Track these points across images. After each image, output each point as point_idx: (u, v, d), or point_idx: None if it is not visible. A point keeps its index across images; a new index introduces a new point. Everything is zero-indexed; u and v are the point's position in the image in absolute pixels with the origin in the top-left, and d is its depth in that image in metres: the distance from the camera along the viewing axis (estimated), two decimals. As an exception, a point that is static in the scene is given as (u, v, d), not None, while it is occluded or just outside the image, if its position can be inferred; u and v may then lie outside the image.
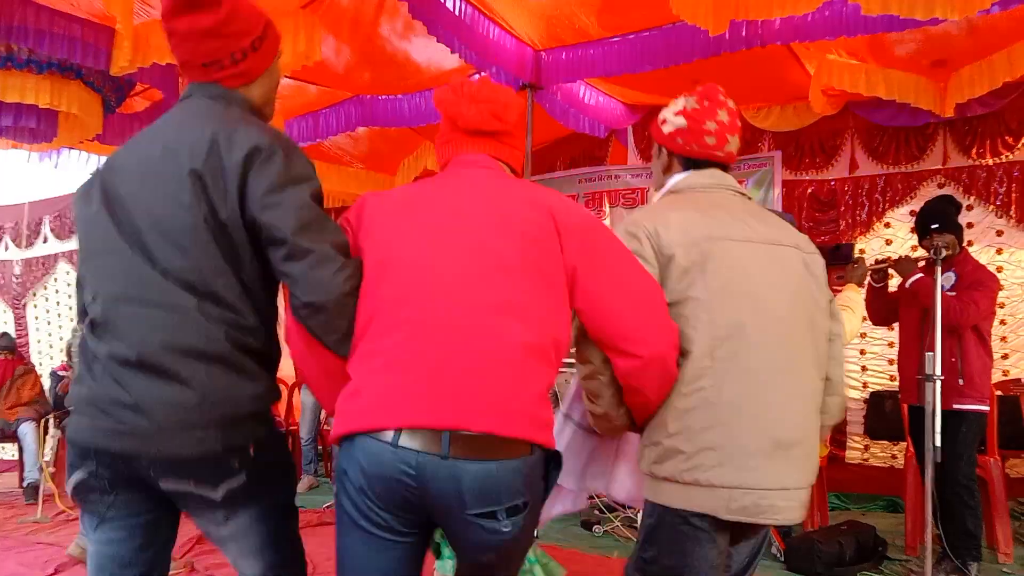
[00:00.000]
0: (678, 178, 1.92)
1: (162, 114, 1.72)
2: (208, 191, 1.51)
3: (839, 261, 3.26)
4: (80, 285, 1.64)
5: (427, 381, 1.45)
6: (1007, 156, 5.48)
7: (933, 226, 3.91)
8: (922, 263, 3.90)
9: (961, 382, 3.78)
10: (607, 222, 6.17)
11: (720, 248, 1.72)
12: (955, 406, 3.75)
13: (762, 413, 1.68)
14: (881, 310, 4.23)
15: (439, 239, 1.57)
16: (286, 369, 2.41)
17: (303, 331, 1.59)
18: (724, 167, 1.92)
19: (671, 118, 1.91)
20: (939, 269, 3.43)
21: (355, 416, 1.49)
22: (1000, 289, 4.01)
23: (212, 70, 1.66)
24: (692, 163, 1.90)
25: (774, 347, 1.71)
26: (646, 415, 1.74)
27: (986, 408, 3.87)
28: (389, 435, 1.43)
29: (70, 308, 8.86)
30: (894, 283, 4.23)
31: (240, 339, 1.53)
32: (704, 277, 1.70)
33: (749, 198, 1.96)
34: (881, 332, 5.77)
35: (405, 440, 1.42)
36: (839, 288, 3.63)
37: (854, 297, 3.02)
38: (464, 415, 1.42)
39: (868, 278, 4.17)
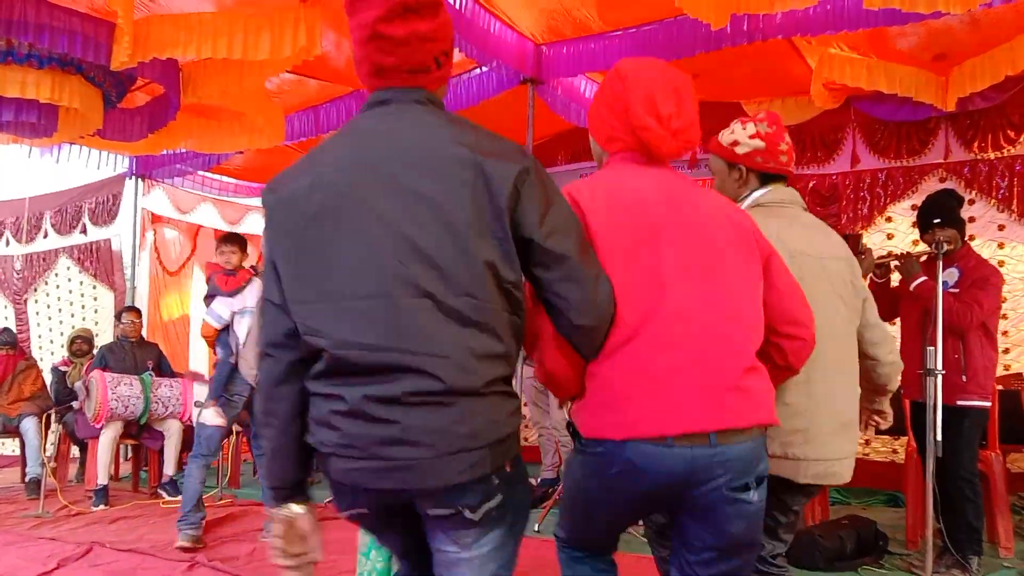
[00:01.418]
0: (760, 193, 2.28)
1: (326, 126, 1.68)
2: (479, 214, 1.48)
3: None
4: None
5: (697, 391, 1.65)
6: (1009, 150, 5.48)
7: (935, 220, 3.90)
8: (924, 258, 3.89)
9: (964, 378, 3.77)
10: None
11: (808, 262, 2.10)
12: (958, 402, 3.74)
13: (832, 403, 2.12)
14: (884, 306, 4.19)
15: (672, 245, 1.71)
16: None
17: (560, 340, 1.67)
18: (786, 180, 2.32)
19: (746, 140, 2.27)
20: (940, 264, 3.43)
21: (631, 424, 1.65)
22: (1003, 284, 4.00)
23: (419, 75, 1.60)
24: (769, 178, 2.29)
25: (834, 348, 2.12)
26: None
27: (988, 404, 3.86)
28: (668, 440, 1.63)
29: (71, 303, 8.86)
30: (895, 277, 4.22)
31: (501, 369, 1.52)
32: None
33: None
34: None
35: (681, 441, 1.63)
36: None
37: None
38: (730, 415, 1.67)
39: (870, 274, 4.17)
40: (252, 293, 4.46)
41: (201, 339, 5.22)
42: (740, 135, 2.29)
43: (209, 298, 4.59)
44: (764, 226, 1.96)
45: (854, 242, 3.29)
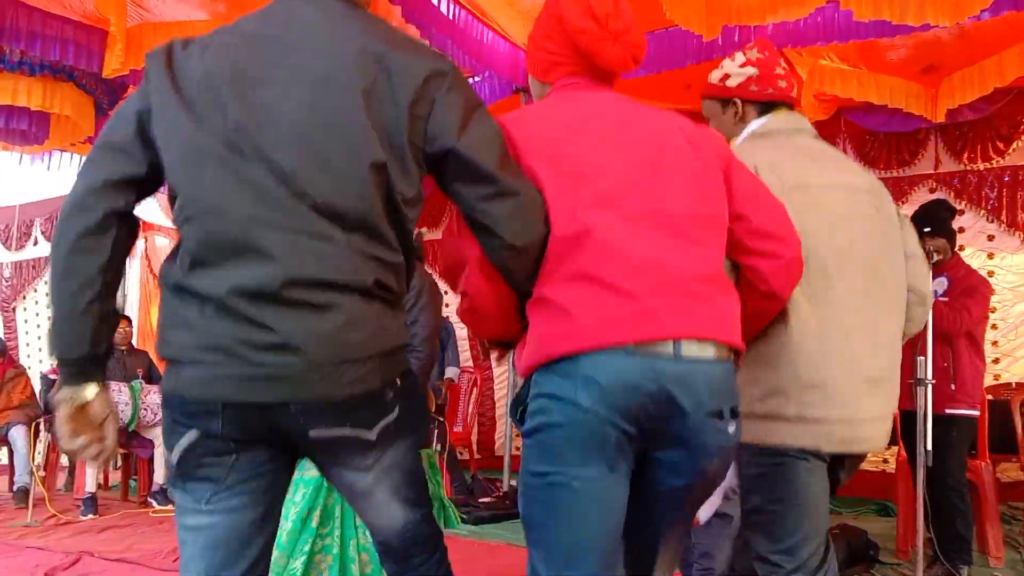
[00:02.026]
0: (760, 122, 2.01)
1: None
2: (377, 116, 1.35)
3: None
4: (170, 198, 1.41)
5: (653, 296, 1.43)
6: (998, 161, 5.52)
7: (925, 229, 3.92)
8: None
9: (953, 387, 3.79)
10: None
11: (805, 195, 1.79)
12: (947, 411, 3.76)
13: (852, 357, 1.78)
14: None
15: (621, 154, 1.52)
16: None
17: (487, 265, 1.50)
18: (793, 108, 2.04)
19: (737, 70, 2.05)
20: (930, 274, 3.45)
21: (580, 333, 1.40)
22: (992, 294, 4.02)
23: None
24: (768, 107, 2.02)
25: (859, 293, 1.81)
26: (759, 328, 1.75)
27: (977, 413, 3.88)
28: (628, 347, 1.39)
29: (61, 311, 8.81)
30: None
31: (384, 276, 1.39)
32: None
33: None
34: (873, 336, 5.80)
35: (643, 350, 1.40)
36: None
37: None
38: (692, 324, 1.43)
39: None
40: None
41: None
42: (730, 67, 2.09)
43: None
44: (751, 156, 1.78)
45: None
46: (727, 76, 2.08)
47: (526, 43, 1.84)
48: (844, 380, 1.77)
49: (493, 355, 1.83)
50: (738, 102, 2.05)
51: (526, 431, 1.47)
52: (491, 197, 1.41)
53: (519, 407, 1.51)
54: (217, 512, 1.40)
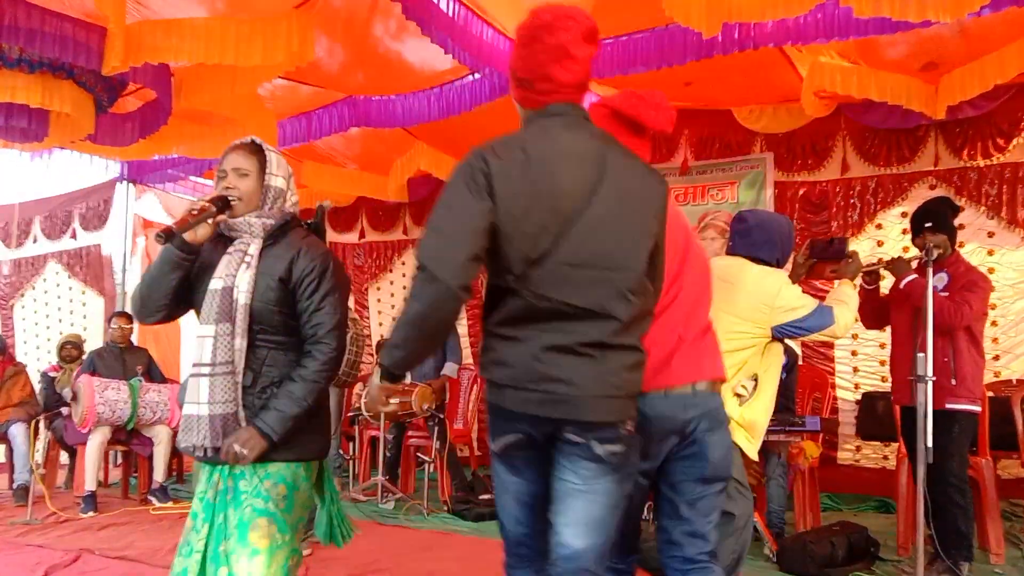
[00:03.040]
0: None
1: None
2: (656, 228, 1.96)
3: (833, 256, 3.26)
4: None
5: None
6: (998, 158, 5.51)
7: (926, 224, 3.92)
8: (915, 263, 3.91)
9: (953, 382, 3.79)
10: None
11: None
12: (947, 406, 3.75)
13: None
14: (872, 314, 4.21)
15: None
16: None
17: None
18: None
19: None
20: (931, 269, 3.45)
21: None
22: (992, 290, 4.02)
23: (581, 90, 1.96)
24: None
25: None
26: None
27: (978, 408, 3.87)
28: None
29: (59, 309, 8.82)
30: (885, 285, 4.24)
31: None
32: None
33: None
34: (873, 333, 5.77)
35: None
36: (830, 283, 3.64)
37: (848, 292, 3.04)
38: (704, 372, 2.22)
39: (860, 280, 4.18)
40: None
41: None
42: None
43: None
44: None
45: (839, 245, 3.31)
46: None
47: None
48: None
49: None
50: None
51: None
52: None
53: None
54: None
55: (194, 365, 2.14)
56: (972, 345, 3.87)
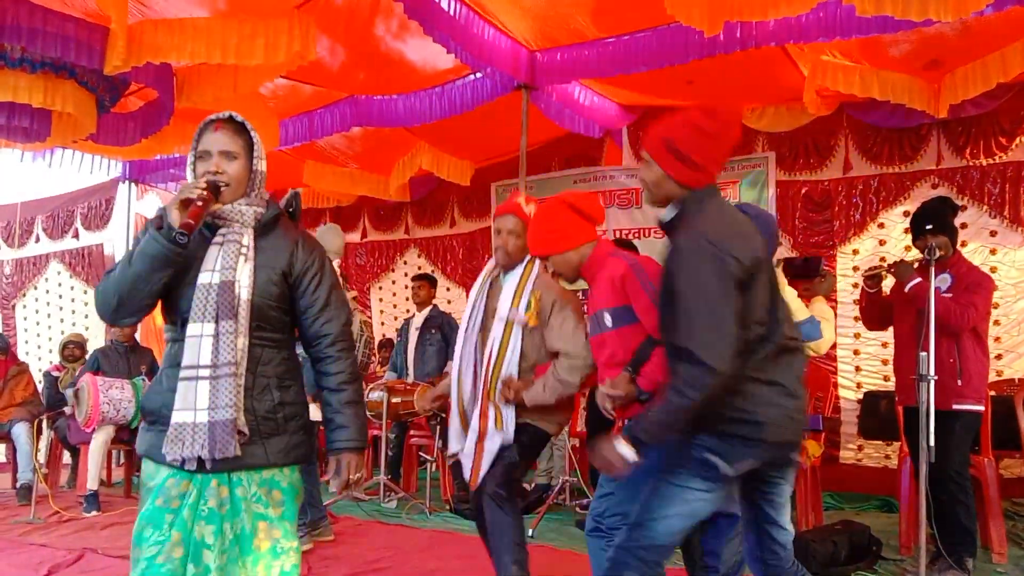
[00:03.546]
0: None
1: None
2: None
3: (807, 274, 3.29)
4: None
5: None
6: (1001, 157, 5.50)
7: (927, 226, 3.91)
8: (916, 264, 3.90)
9: (959, 382, 3.77)
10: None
11: None
12: (953, 406, 3.74)
13: None
14: (875, 315, 4.21)
15: None
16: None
17: None
18: None
19: None
20: (932, 270, 3.44)
21: None
22: (995, 289, 4.01)
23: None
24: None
25: None
26: None
27: (982, 408, 3.86)
28: None
29: (60, 308, 8.84)
30: (886, 284, 4.24)
31: None
32: None
33: None
34: (875, 332, 5.78)
35: None
36: (806, 299, 3.67)
37: (826, 310, 3.07)
38: None
39: (862, 284, 4.19)
40: None
41: None
42: None
43: None
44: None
45: (815, 263, 3.34)
46: None
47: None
48: None
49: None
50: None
51: None
52: None
53: None
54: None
55: (186, 368, 1.94)
56: (977, 345, 3.86)
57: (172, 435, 1.92)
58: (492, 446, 2.90)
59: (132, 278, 1.94)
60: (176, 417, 1.92)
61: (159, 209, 2.07)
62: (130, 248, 2.01)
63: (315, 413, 4.50)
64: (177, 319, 2.01)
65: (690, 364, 1.98)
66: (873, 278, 4.14)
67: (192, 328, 1.94)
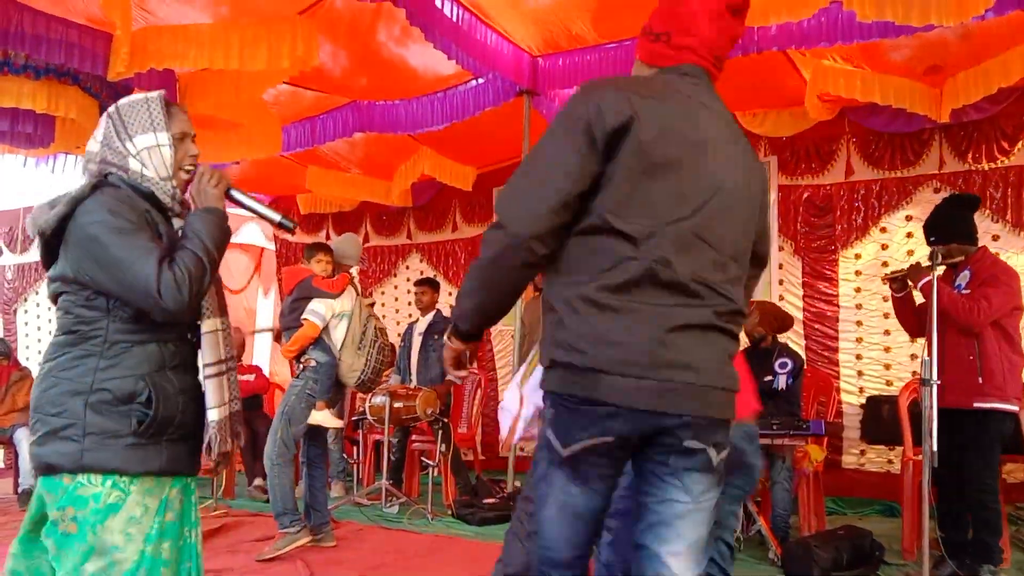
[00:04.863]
0: None
1: None
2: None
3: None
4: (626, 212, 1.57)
5: None
6: (1003, 161, 5.50)
7: (931, 239, 3.90)
8: (940, 268, 3.85)
9: (980, 380, 3.68)
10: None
11: None
12: (976, 405, 3.66)
13: None
14: (911, 320, 4.15)
15: None
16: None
17: None
18: None
19: None
20: (935, 273, 3.42)
21: None
22: (1019, 283, 3.86)
23: (718, 65, 1.75)
24: None
25: None
26: None
27: (1013, 408, 3.72)
28: None
29: (66, 313, 8.83)
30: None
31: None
32: None
33: None
34: (877, 337, 5.79)
35: None
36: None
37: None
38: None
39: (889, 289, 4.16)
40: (350, 297, 4.68)
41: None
42: None
43: (303, 300, 4.64)
44: None
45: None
46: None
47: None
48: None
49: None
50: None
51: None
52: None
53: None
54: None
55: (213, 364, 1.89)
56: (1004, 341, 3.75)
57: (215, 436, 1.86)
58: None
59: (212, 262, 1.83)
60: (214, 415, 1.87)
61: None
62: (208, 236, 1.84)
63: (321, 419, 4.55)
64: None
65: (493, 225, 1.63)
66: (896, 280, 4.10)
67: (206, 324, 1.88)
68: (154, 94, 1.92)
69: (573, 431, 1.56)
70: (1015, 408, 3.75)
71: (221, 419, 1.87)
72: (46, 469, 1.77)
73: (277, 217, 2.04)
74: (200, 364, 1.91)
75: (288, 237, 8.46)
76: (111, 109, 1.92)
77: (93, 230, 1.73)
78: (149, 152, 1.86)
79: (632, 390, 1.50)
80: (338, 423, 5.12)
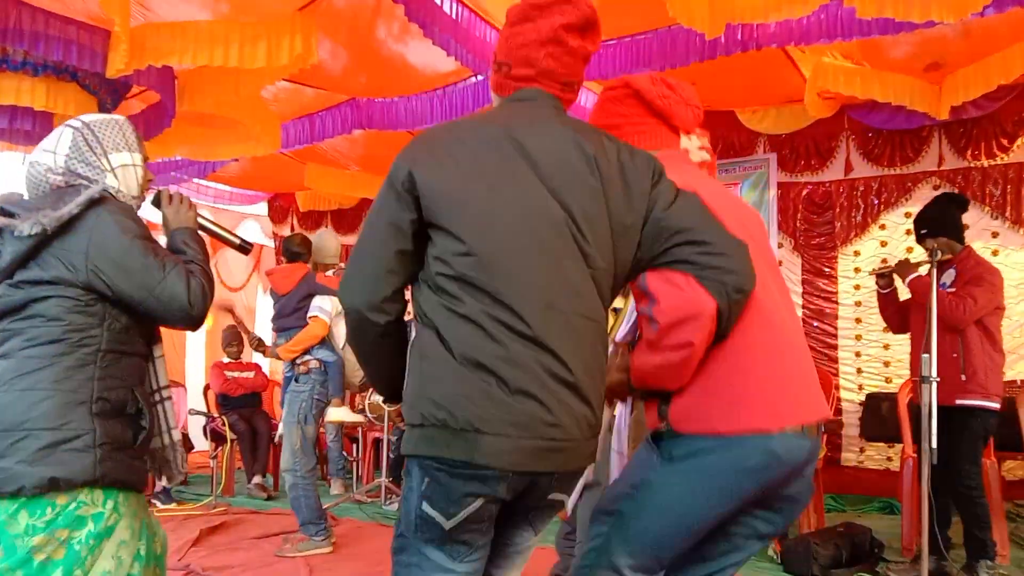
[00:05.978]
0: None
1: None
2: (610, 200, 1.55)
3: None
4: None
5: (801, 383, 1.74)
6: (1002, 158, 5.50)
7: (922, 231, 3.93)
8: (926, 267, 3.89)
9: (963, 377, 3.74)
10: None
11: None
12: (958, 402, 3.71)
13: None
14: (894, 316, 4.21)
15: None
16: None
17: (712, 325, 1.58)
18: None
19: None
20: (934, 270, 3.43)
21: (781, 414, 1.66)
22: (1002, 283, 3.93)
23: (567, 90, 1.69)
24: None
25: None
26: None
27: (994, 405, 3.78)
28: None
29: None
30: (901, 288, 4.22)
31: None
32: None
33: None
34: (876, 334, 5.79)
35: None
36: None
37: None
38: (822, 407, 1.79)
39: (875, 285, 4.19)
40: None
41: (265, 346, 5.18)
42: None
43: (309, 298, 4.63)
44: None
45: None
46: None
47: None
48: None
49: (618, 405, 2.11)
50: None
51: None
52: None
53: None
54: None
55: (165, 388, 2.00)
56: (985, 340, 3.81)
57: (181, 455, 2.01)
58: None
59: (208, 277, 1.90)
60: (172, 436, 1.98)
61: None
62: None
63: (341, 415, 4.53)
64: (151, 337, 1.92)
65: None
66: (883, 276, 4.14)
67: (158, 349, 1.94)
68: (120, 117, 1.99)
69: (450, 500, 1.49)
70: (996, 405, 3.82)
71: (177, 440, 1.97)
72: (46, 487, 1.61)
73: (237, 240, 2.23)
74: (157, 386, 1.94)
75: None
76: (77, 124, 1.92)
77: (126, 239, 1.74)
78: (124, 170, 1.91)
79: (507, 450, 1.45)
80: (358, 417, 5.10)
